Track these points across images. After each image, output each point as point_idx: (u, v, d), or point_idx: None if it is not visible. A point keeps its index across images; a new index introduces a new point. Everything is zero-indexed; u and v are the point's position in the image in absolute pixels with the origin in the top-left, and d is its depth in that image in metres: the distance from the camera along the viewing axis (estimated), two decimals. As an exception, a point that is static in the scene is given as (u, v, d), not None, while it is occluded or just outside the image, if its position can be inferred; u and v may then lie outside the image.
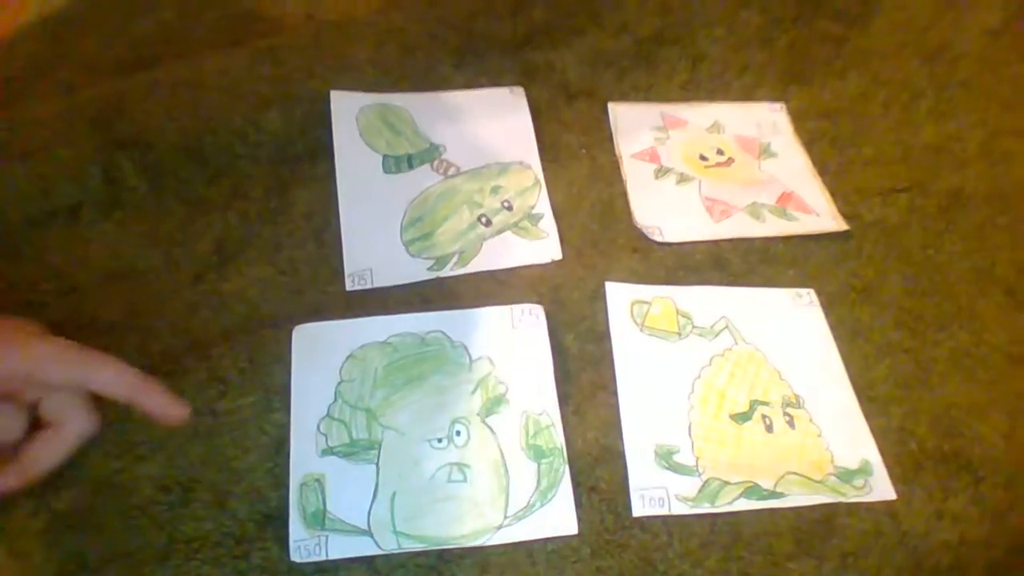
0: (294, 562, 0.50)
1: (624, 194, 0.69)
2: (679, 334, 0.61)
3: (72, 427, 0.50)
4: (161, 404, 0.51)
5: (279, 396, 0.56)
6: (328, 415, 0.55)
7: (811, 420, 0.58)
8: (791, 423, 0.58)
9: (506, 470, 0.54)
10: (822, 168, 0.73)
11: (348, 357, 0.57)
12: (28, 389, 0.48)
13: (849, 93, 0.78)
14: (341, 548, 0.50)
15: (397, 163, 0.69)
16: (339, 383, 0.56)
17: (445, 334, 0.59)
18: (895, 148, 0.74)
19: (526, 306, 0.61)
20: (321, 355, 0.57)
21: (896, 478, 0.56)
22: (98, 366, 0.49)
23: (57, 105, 0.67)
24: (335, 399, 0.56)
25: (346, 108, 0.71)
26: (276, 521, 0.51)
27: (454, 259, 0.64)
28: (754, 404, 0.58)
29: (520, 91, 0.74)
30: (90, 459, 0.53)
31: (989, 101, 0.79)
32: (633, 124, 0.74)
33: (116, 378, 0.49)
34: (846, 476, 0.56)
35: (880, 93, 0.78)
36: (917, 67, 0.81)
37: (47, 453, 0.49)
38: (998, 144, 0.75)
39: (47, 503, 0.51)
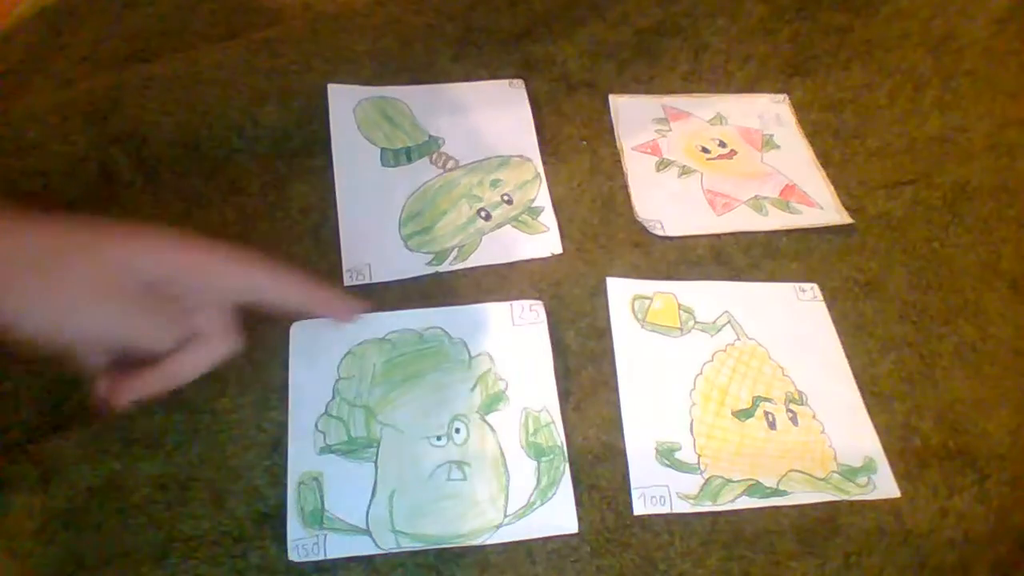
0: (292, 561, 0.50)
1: (625, 187, 0.68)
2: (681, 329, 0.61)
3: (219, 343, 0.50)
4: (335, 308, 0.54)
5: (277, 394, 0.55)
6: (326, 413, 0.54)
7: (814, 417, 0.58)
8: (794, 420, 0.57)
9: (506, 468, 0.53)
10: (825, 160, 0.72)
11: (346, 354, 0.57)
12: (194, 297, 0.48)
13: (853, 84, 0.77)
14: (339, 547, 0.50)
15: (395, 156, 0.68)
16: (337, 380, 0.56)
17: (444, 330, 0.58)
18: (900, 140, 0.73)
19: (526, 302, 0.60)
20: (319, 352, 0.57)
21: (900, 475, 0.56)
22: (276, 275, 0.50)
23: (52, 100, 0.67)
24: (333, 397, 0.55)
25: (344, 101, 0.70)
26: (274, 520, 0.51)
27: (453, 253, 0.63)
28: (757, 400, 0.58)
29: (520, 83, 0.73)
30: (88, 458, 0.52)
31: (996, 91, 0.78)
32: (634, 116, 0.73)
33: (290, 289, 0.50)
34: (849, 474, 0.55)
35: (884, 84, 0.77)
36: (922, 57, 0.80)
37: (191, 363, 0.49)
38: (1005, 135, 0.74)
39: (44, 502, 0.51)
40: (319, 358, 0.56)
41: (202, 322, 0.49)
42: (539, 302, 0.60)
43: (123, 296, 0.45)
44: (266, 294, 0.50)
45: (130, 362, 0.49)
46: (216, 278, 0.48)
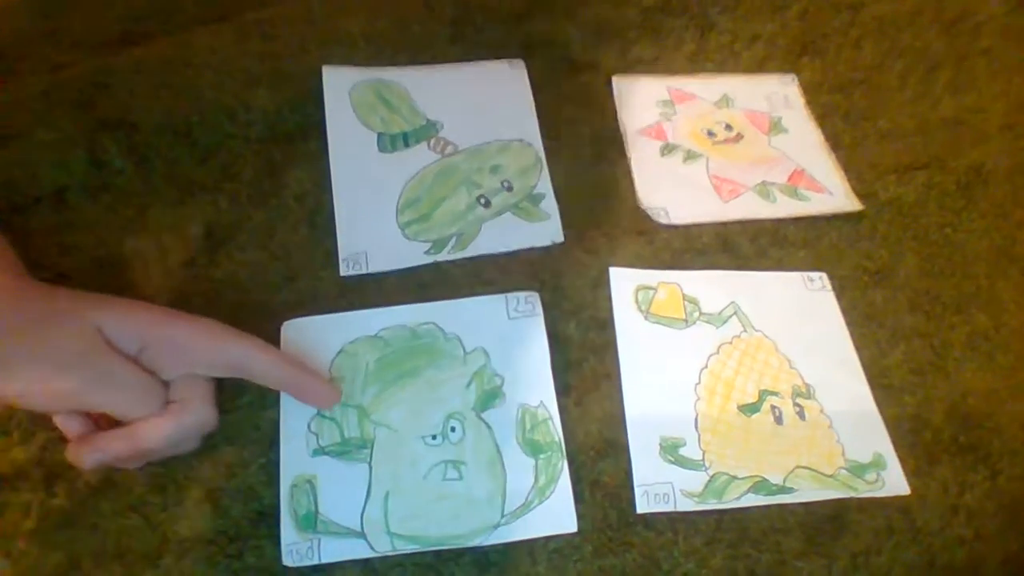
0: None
1: (628, 173, 0.66)
2: (685, 321, 0.59)
3: (192, 412, 0.49)
4: (316, 391, 0.52)
5: (272, 392, 0.54)
6: (319, 413, 0.53)
7: (822, 411, 0.56)
8: (801, 414, 0.56)
9: (503, 467, 0.52)
10: (835, 144, 0.70)
11: (339, 352, 0.55)
12: (176, 367, 0.48)
13: (864, 64, 0.75)
14: (334, 551, 0.49)
15: (393, 141, 0.66)
16: (330, 380, 0.54)
17: (438, 326, 0.57)
18: (912, 122, 0.71)
19: (521, 294, 0.58)
20: (311, 351, 0.55)
21: (910, 471, 0.54)
22: (258, 351, 0.49)
23: (40, 85, 0.65)
24: None
25: (339, 84, 0.68)
26: (270, 519, 0.50)
27: (452, 242, 0.61)
28: (763, 394, 0.56)
29: (520, 64, 0.71)
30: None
31: (1011, 71, 0.75)
32: (638, 98, 0.71)
33: (274, 364, 0.50)
34: (858, 470, 0.54)
35: (897, 64, 0.75)
36: (936, 35, 0.77)
37: (156, 427, 0.47)
38: (1021, 117, 0.72)
39: (40, 501, 0.50)
40: (311, 357, 0.55)
41: (180, 390, 0.49)
42: (535, 293, 0.59)
43: (97, 367, 0.45)
44: (248, 372, 0.50)
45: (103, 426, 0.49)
46: (196, 352, 0.48)
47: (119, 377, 0.46)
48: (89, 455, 0.47)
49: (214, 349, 0.48)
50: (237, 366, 0.49)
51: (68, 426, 0.48)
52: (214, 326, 0.48)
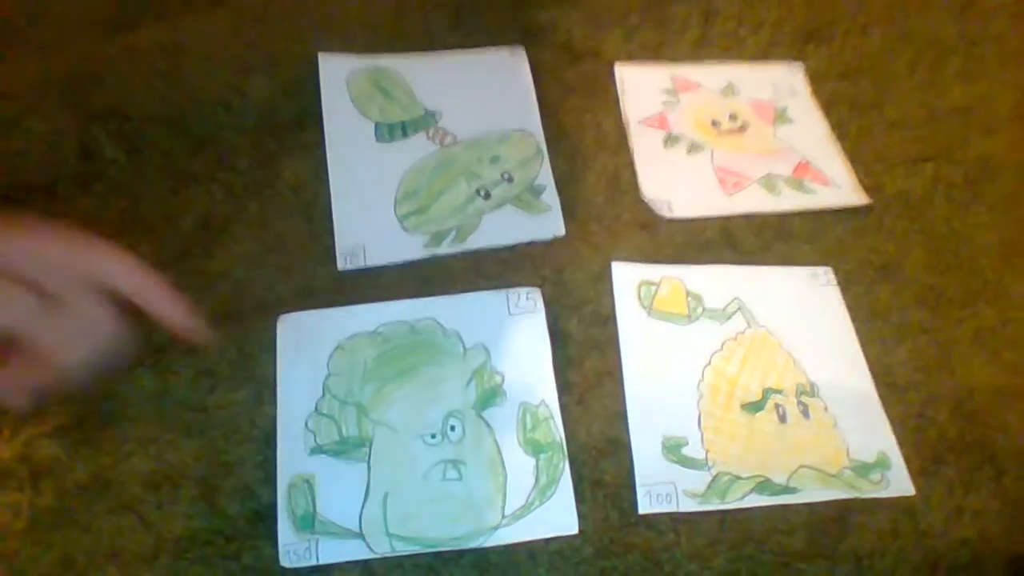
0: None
1: (631, 164, 0.65)
2: (689, 317, 0.58)
3: (95, 328, 0.44)
4: (173, 309, 0.45)
5: (270, 389, 0.54)
6: (316, 411, 0.52)
7: (826, 409, 0.55)
8: (805, 412, 0.55)
9: (503, 467, 0.51)
10: (841, 134, 0.69)
11: (336, 348, 0.55)
12: (52, 281, 0.42)
13: (872, 51, 0.74)
14: (332, 552, 0.48)
15: (391, 131, 0.65)
16: (327, 377, 0.54)
17: (437, 321, 0.56)
18: (920, 111, 0.70)
19: (523, 290, 0.57)
20: (308, 347, 0.55)
21: (915, 471, 0.54)
22: (107, 254, 0.43)
23: (30, 74, 0.64)
24: (323, 394, 0.53)
25: (336, 72, 0.67)
26: (267, 519, 0.50)
27: (451, 235, 0.60)
28: (767, 392, 0.56)
29: (521, 52, 0.70)
30: (77, 455, 0.51)
31: (1023, 59, 0.74)
32: (641, 87, 0.70)
33: (126, 269, 0.43)
34: (862, 470, 0.53)
35: (905, 50, 0.74)
36: (946, 22, 0.76)
37: (67, 347, 0.43)
38: (1031, 106, 0.71)
39: (32, 501, 0.50)
40: (308, 353, 0.54)
41: (73, 308, 0.43)
42: (536, 290, 0.58)
43: None
44: (97, 275, 0.44)
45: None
46: (62, 260, 0.43)
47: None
48: (12, 388, 0.43)
49: (84, 260, 0.43)
50: (87, 266, 0.43)
51: None
52: (70, 234, 0.43)
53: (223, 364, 0.54)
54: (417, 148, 0.64)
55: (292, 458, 0.51)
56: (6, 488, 0.50)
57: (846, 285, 0.61)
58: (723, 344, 0.57)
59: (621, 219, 0.62)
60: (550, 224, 0.61)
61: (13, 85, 0.63)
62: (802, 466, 0.53)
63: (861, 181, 0.65)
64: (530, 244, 0.60)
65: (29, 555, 0.48)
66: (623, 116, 0.68)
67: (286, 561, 0.48)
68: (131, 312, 0.45)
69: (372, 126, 0.65)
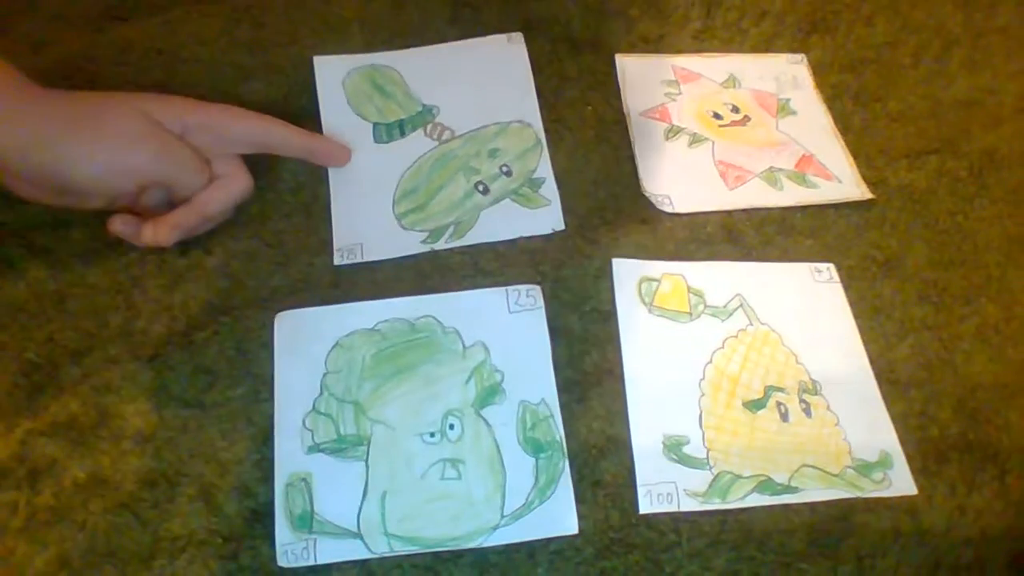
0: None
1: (631, 157, 0.64)
2: (690, 314, 0.58)
3: (236, 183, 0.57)
4: (329, 151, 0.62)
5: (267, 386, 0.53)
6: (314, 409, 0.52)
7: (828, 408, 0.55)
8: (807, 411, 0.55)
9: (502, 466, 0.51)
10: (844, 126, 0.68)
11: (334, 346, 0.54)
12: (213, 145, 0.56)
13: (875, 42, 0.73)
14: (330, 552, 0.48)
15: (388, 131, 0.64)
16: (325, 374, 0.53)
17: (436, 319, 0.55)
18: (924, 103, 0.69)
19: (523, 287, 0.57)
20: (305, 344, 0.54)
21: (917, 470, 0.53)
22: (276, 125, 0.58)
23: (21, 68, 0.62)
24: (321, 392, 0.53)
25: (331, 74, 0.66)
26: (265, 518, 0.49)
27: (449, 231, 0.60)
28: (769, 390, 0.55)
29: (519, 39, 0.69)
30: (73, 453, 0.51)
31: (1029, 50, 0.73)
32: (642, 78, 0.69)
33: (290, 133, 0.59)
34: (864, 469, 0.53)
35: (909, 41, 0.73)
36: (951, 12, 0.75)
37: (216, 199, 0.56)
38: (1036, 99, 0.70)
39: (28, 499, 0.49)
40: (305, 350, 0.54)
41: (220, 167, 0.56)
42: (536, 287, 0.57)
43: (159, 141, 0.52)
44: (270, 143, 0.58)
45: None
46: (227, 130, 0.56)
47: (178, 152, 0.53)
48: (169, 232, 0.54)
49: (241, 127, 0.57)
50: (261, 141, 0.58)
51: (147, 201, 0.55)
52: (238, 109, 0.57)
53: (220, 361, 0.54)
54: (415, 146, 0.64)
55: (289, 457, 0.50)
56: (3, 486, 0.50)
57: (848, 281, 0.60)
58: (724, 341, 0.57)
59: (622, 213, 0.61)
60: (549, 218, 0.61)
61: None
62: (804, 465, 0.53)
63: (864, 174, 0.65)
64: (530, 239, 0.60)
65: (25, 553, 0.48)
66: (624, 108, 0.67)
67: (284, 561, 0.48)
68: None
69: (370, 127, 0.64)
